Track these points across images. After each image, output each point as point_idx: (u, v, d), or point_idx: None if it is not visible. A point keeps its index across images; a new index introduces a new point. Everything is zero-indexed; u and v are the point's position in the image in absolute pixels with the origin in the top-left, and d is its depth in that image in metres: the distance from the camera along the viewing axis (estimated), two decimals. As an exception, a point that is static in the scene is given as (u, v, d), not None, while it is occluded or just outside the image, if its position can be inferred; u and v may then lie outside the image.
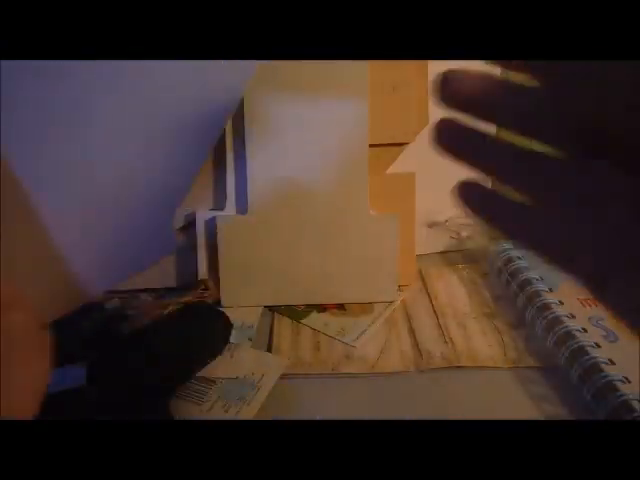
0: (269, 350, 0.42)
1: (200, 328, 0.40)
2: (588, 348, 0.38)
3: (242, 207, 0.45)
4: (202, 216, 0.45)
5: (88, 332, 0.40)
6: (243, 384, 0.38)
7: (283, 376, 0.39)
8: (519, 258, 0.48)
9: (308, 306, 0.46)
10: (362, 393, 0.38)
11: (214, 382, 0.38)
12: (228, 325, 0.42)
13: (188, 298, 0.44)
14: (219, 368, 0.39)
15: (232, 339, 0.42)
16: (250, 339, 0.42)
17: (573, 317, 0.41)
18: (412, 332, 0.44)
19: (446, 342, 0.42)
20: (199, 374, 0.38)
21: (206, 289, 0.45)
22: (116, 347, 0.39)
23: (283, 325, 0.44)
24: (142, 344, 0.38)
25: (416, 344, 0.42)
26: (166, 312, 0.42)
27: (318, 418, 0.35)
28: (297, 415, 0.36)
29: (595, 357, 0.37)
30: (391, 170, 0.47)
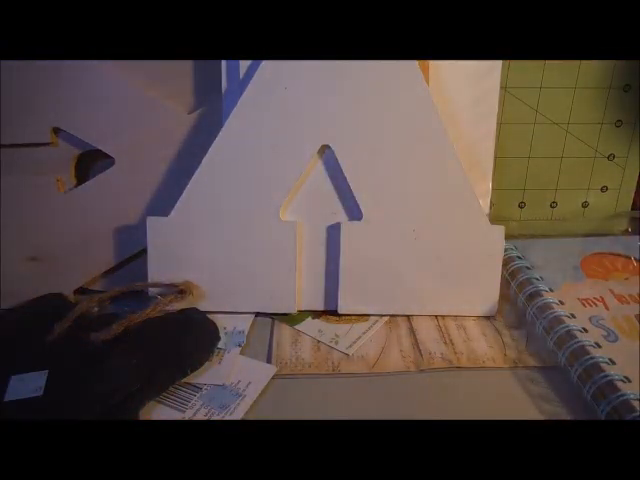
0: (269, 351, 0.42)
1: (184, 336, 0.39)
2: (588, 348, 0.38)
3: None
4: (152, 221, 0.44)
5: (57, 335, 0.39)
6: (228, 392, 0.37)
7: (283, 376, 0.39)
8: (519, 258, 0.48)
9: (302, 311, 0.46)
10: (362, 393, 0.38)
11: (200, 389, 0.38)
12: (215, 334, 0.41)
13: (166, 302, 0.42)
14: (205, 374, 0.38)
15: (222, 345, 0.41)
16: (239, 345, 0.42)
17: (573, 317, 0.41)
18: (412, 333, 0.44)
19: (446, 343, 0.42)
20: (185, 380, 0.37)
21: (183, 292, 0.43)
22: (85, 355, 0.37)
23: (282, 327, 0.44)
24: (115, 353, 0.37)
25: (416, 344, 0.42)
26: (149, 318, 0.40)
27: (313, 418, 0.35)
28: (295, 416, 0.35)
29: (595, 357, 0.37)
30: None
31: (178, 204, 0.43)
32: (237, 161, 0.43)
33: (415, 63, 0.41)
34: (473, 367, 0.40)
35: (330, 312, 0.46)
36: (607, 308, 0.42)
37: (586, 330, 0.40)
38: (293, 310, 0.45)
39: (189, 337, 0.39)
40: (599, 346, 0.38)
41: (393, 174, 0.43)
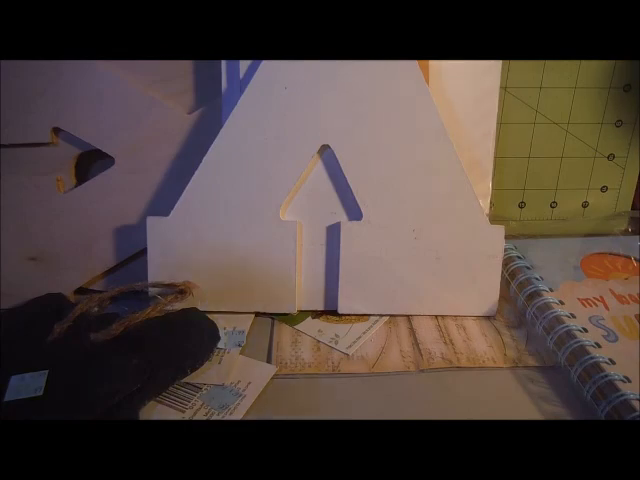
0: (269, 351, 0.42)
1: (184, 336, 0.39)
2: (588, 348, 0.38)
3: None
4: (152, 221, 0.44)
5: (57, 335, 0.39)
6: (228, 392, 0.37)
7: (283, 376, 0.39)
8: (519, 258, 0.48)
9: (302, 311, 0.46)
10: (362, 393, 0.38)
11: (200, 388, 0.38)
12: (215, 334, 0.41)
13: (166, 302, 0.42)
14: (206, 374, 0.39)
15: (222, 345, 0.41)
16: (239, 345, 0.42)
17: (573, 317, 0.41)
18: (412, 333, 0.44)
19: (446, 343, 0.42)
20: (185, 380, 0.38)
21: (183, 293, 0.43)
22: (85, 355, 0.37)
23: (282, 327, 0.44)
24: (115, 353, 0.37)
25: (416, 344, 0.42)
26: (149, 318, 0.40)
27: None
28: (295, 416, 0.35)
29: (595, 357, 0.37)
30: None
31: (178, 204, 0.43)
32: (237, 161, 0.43)
33: (415, 63, 0.41)
34: (473, 367, 0.40)
35: (330, 312, 0.46)
36: (607, 308, 0.42)
37: (586, 330, 0.40)
38: (293, 310, 0.45)
39: (189, 337, 0.39)
40: (599, 346, 0.38)
41: (393, 174, 0.43)
